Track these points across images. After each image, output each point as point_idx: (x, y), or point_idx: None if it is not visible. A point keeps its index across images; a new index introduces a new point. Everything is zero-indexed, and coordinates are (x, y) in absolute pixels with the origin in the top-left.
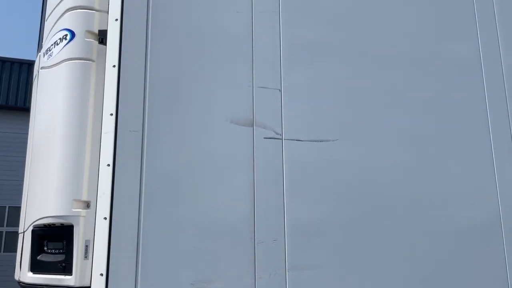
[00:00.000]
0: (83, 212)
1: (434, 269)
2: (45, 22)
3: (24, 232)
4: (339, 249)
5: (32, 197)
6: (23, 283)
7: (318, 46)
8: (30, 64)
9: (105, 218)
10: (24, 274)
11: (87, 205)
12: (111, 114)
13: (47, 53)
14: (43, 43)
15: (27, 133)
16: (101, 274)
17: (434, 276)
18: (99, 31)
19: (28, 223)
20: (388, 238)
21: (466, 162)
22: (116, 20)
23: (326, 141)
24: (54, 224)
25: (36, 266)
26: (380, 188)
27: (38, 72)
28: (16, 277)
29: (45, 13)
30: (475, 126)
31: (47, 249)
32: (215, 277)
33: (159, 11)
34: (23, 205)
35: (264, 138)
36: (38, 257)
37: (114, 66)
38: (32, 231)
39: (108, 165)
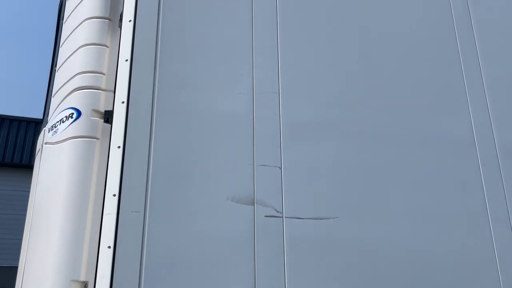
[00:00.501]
0: None
1: None
2: (52, 99)
3: None
4: None
5: (28, 275)
6: None
7: (317, 124)
8: (28, 122)
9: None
10: None
11: (85, 285)
12: (114, 195)
13: (52, 130)
14: (48, 119)
15: (25, 191)
16: None
17: None
18: (105, 111)
19: None
20: None
21: (466, 240)
22: (123, 102)
23: (327, 218)
24: None
25: None
26: (381, 268)
27: (42, 146)
28: None
29: (51, 90)
30: (472, 205)
31: None
32: None
33: (165, 94)
34: (18, 283)
35: (265, 216)
36: None
37: (119, 147)
38: None
39: (109, 247)
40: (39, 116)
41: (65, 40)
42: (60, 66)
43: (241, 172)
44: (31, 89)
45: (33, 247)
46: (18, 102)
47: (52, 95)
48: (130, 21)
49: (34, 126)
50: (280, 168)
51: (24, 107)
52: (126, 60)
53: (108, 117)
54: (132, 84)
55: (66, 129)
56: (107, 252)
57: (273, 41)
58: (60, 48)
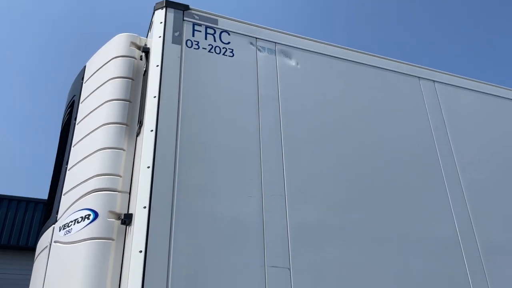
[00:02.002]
0: None
1: None
2: (62, 197)
3: None
4: None
5: None
6: None
7: (321, 227)
8: (28, 202)
9: None
10: None
11: None
12: (140, 251)
13: (64, 229)
14: (57, 216)
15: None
16: None
17: None
18: (125, 214)
19: None
20: None
21: None
22: (144, 207)
23: None
24: None
25: None
26: None
27: (51, 244)
28: None
29: (61, 186)
30: None
31: None
32: None
33: (183, 200)
34: None
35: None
36: None
37: (140, 251)
38: None
39: None
40: (26, 194)
41: (78, 141)
42: (73, 166)
43: (254, 274)
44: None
45: None
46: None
47: (63, 193)
48: (152, 130)
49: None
50: (289, 269)
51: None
52: (148, 167)
53: (126, 219)
54: (153, 190)
55: (82, 230)
56: None
57: (278, 149)
58: (72, 148)
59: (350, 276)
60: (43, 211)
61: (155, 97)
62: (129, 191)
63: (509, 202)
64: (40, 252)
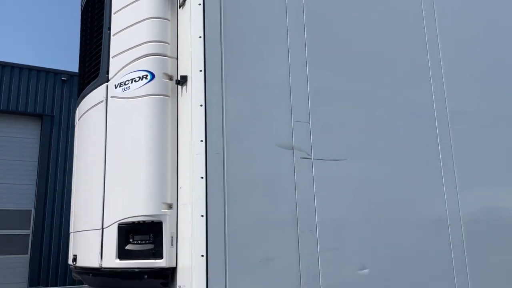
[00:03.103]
0: (168, 212)
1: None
2: (110, 59)
3: (103, 228)
4: (354, 234)
5: (111, 202)
6: (109, 268)
7: (335, 89)
8: (21, 68)
9: (202, 216)
10: (110, 261)
11: (170, 206)
12: (201, 141)
13: (121, 86)
14: (108, 76)
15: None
16: (202, 255)
17: None
18: (181, 76)
19: (110, 221)
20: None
21: None
22: (200, 71)
23: (339, 160)
24: (144, 222)
25: (124, 254)
26: (379, 196)
27: (107, 99)
28: (95, 265)
29: (106, 50)
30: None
31: (133, 241)
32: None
33: (231, 65)
34: (92, 209)
35: (300, 158)
36: (126, 247)
37: (201, 105)
38: (119, 227)
39: (202, 177)
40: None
41: (121, 9)
42: (118, 32)
43: (284, 126)
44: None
45: (114, 181)
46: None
47: (111, 57)
48: (199, 4)
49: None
50: (309, 123)
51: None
52: (200, 37)
53: (181, 80)
54: (206, 56)
55: (142, 88)
56: (201, 181)
57: (302, 30)
58: (113, 15)
59: (353, 129)
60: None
61: None
62: (176, 57)
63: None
64: (92, 107)
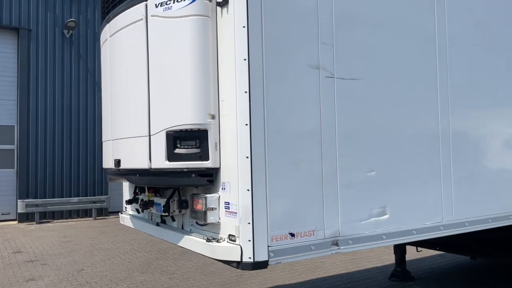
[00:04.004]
0: (212, 121)
1: None
2: None
3: (151, 135)
4: (365, 142)
5: (157, 112)
6: (158, 169)
7: (355, 16)
8: None
9: (246, 124)
10: (159, 163)
11: (213, 117)
12: (245, 59)
13: (162, 6)
14: None
15: None
16: (247, 157)
17: None
18: None
19: (157, 129)
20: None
21: None
22: None
23: (356, 79)
24: (192, 129)
25: (172, 157)
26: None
27: (147, 18)
28: (143, 166)
29: None
30: None
31: (181, 146)
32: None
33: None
34: (136, 119)
35: (325, 77)
36: (175, 151)
37: (244, 27)
38: (167, 134)
39: (246, 92)
40: None
41: None
42: None
43: (313, 48)
44: None
45: (159, 94)
46: None
47: None
48: None
49: None
50: (333, 46)
51: None
52: None
53: (223, 2)
54: None
55: (184, 8)
56: (244, 96)
57: None
58: None
59: (370, 54)
60: None
61: None
62: None
63: None
64: (128, 25)
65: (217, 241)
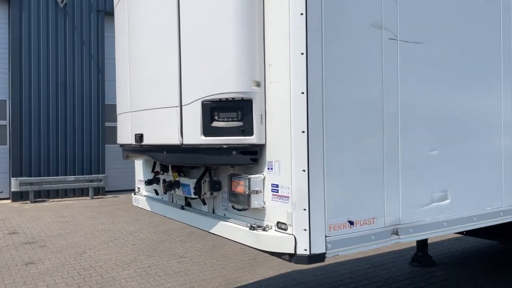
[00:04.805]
0: (257, 89)
1: None
2: None
3: (182, 106)
4: (427, 117)
5: (191, 79)
6: (192, 144)
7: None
8: None
9: (303, 93)
10: (194, 138)
11: (258, 84)
12: (301, 14)
13: None
14: None
15: None
16: (303, 132)
17: None
18: None
19: (190, 99)
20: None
21: None
22: None
23: (420, 43)
24: (233, 99)
25: (209, 131)
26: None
27: None
28: (173, 142)
29: None
30: None
31: (219, 118)
32: None
33: None
34: (164, 87)
35: (388, 38)
36: (212, 124)
37: None
38: (203, 104)
39: (302, 53)
40: None
41: None
42: None
43: (377, 3)
44: None
45: (194, 58)
46: None
47: None
48: None
49: None
50: (397, 2)
51: None
52: None
53: None
54: None
55: None
56: (301, 58)
57: None
58: None
59: (434, 16)
60: None
61: None
62: None
63: None
64: None
65: (263, 229)
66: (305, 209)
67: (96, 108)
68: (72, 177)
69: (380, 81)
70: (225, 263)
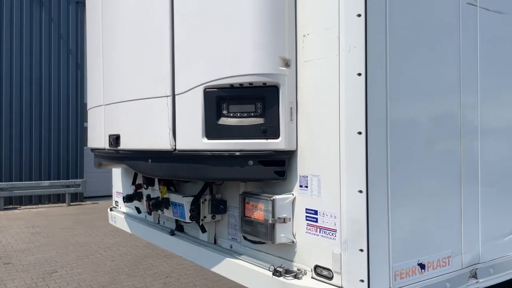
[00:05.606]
0: (286, 71)
1: None
2: None
3: (175, 95)
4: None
5: (188, 57)
6: (189, 150)
7: None
8: None
9: (359, 74)
10: (192, 141)
11: (287, 63)
12: None
13: None
14: None
15: None
16: (359, 133)
17: None
18: None
19: (187, 85)
20: None
21: None
22: None
23: (503, 13)
24: (251, 84)
25: (214, 132)
26: None
27: None
28: (162, 147)
29: None
30: None
31: (229, 112)
32: None
33: None
34: (152, 67)
35: (467, 3)
36: (219, 121)
37: None
38: (205, 92)
39: (359, 15)
40: None
41: None
42: None
43: None
44: None
45: (192, 39)
46: None
47: None
48: None
49: None
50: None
51: None
52: None
53: None
54: None
55: None
56: (358, 21)
57: None
58: None
59: None
60: None
61: None
62: None
63: None
64: None
65: (295, 276)
66: (362, 250)
67: (74, 106)
68: (47, 182)
69: (457, 57)
70: (218, 285)
